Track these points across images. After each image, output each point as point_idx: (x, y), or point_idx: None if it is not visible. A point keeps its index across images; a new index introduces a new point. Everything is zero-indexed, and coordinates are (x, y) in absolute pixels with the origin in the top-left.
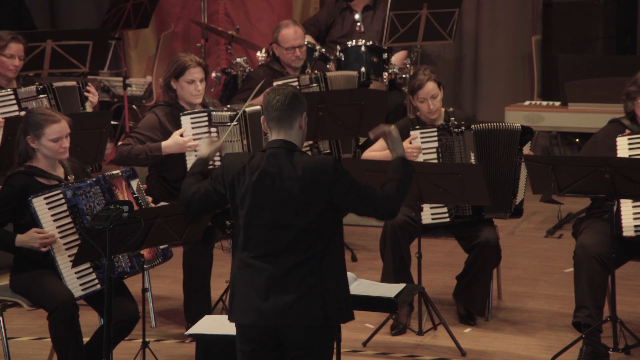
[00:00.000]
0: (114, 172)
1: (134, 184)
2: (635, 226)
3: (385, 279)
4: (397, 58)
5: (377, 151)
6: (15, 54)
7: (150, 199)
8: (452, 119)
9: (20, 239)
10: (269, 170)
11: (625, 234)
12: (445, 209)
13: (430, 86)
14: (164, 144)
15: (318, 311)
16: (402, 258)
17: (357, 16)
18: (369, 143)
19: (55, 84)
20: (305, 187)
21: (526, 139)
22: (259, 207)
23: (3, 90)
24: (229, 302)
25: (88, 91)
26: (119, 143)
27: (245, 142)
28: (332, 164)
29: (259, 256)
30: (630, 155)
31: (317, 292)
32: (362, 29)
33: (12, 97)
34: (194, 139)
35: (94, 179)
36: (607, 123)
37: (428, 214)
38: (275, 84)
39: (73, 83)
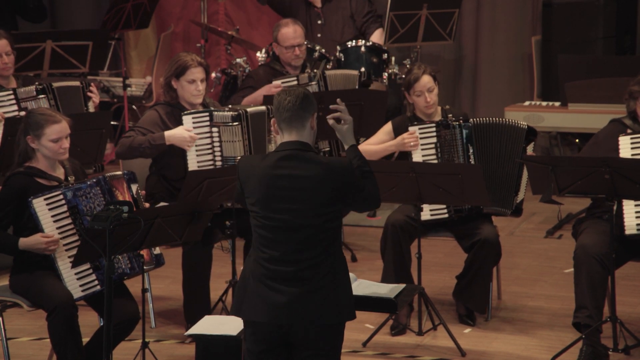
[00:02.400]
0: (116, 173)
1: (134, 188)
2: (638, 224)
3: (386, 279)
4: (376, 36)
5: (373, 145)
6: (2, 51)
7: (147, 205)
8: (450, 115)
9: (25, 242)
10: (284, 172)
11: (627, 232)
12: (443, 205)
13: (426, 79)
14: (167, 133)
15: (332, 309)
16: (403, 258)
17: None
18: None
19: (57, 84)
20: (321, 188)
21: (530, 139)
22: (274, 208)
23: (3, 90)
24: (238, 299)
25: (91, 91)
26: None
27: (246, 142)
28: (349, 166)
29: (274, 256)
30: (632, 155)
31: (331, 290)
32: (323, 21)
33: (12, 97)
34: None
35: (95, 180)
36: (608, 123)
37: (427, 210)
38: (274, 82)
39: (77, 83)
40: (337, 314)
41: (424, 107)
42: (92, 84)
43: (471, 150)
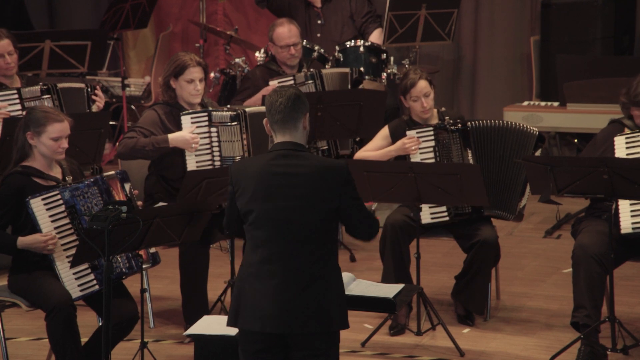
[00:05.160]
0: (110, 172)
1: (127, 187)
2: (633, 223)
3: (386, 279)
4: (375, 36)
5: (371, 151)
6: (4, 52)
7: (140, 203)
8: (447, 117)
9: (23, 241)
10: (280, 170)
11: (623, 231)
12: (444, 208)
13: (423, 84)
14: (170, 136)
15: (325, 317)
16: (402, 258)
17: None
18: (367, 141)
19: (61, 85)
20: (317, 187)
21: (538, 145)
22: (270, 207)
23: (7, 90)
24: (234, 306)
25: (96, 94)
26: (122, 137)
27: (245, 142)
28: (345, 168)
29: (267, 259)
30: (627, 154)
31: (323, 297)
32: (323, 21)
33: (16, 96)
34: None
35: (92, 180)
36: (608, 124)
37: (427, 213)
38: (270, 82)
39: (82, 85)
40: (328, 322)
41: (421, 112)
42: (97, 87)
43: (470, 154)
